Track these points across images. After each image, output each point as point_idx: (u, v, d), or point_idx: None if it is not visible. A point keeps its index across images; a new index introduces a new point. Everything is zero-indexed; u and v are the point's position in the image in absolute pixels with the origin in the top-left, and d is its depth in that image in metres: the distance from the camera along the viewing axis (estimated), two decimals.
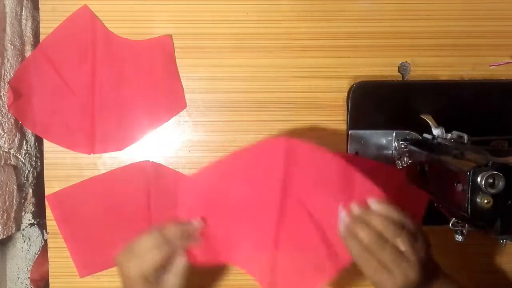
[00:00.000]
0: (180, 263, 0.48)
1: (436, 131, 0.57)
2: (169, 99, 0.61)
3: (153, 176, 0.61)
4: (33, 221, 0.62)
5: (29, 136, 0.63)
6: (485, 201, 0.45)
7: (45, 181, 0.61)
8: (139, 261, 0.47)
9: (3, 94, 0.57)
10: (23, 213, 0.62)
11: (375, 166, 0.61)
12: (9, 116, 0.58)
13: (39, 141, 0.63)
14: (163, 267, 0.48)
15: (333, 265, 0.51)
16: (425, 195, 0.59)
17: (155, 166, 0.61)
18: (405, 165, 0.60)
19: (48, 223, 0.61)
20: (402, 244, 0.45)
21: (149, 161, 0.61)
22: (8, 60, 0.58)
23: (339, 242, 0.49)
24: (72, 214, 0.61)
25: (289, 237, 0.52)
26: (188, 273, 0.49)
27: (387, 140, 0.61)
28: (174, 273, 0.48)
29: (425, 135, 0.59)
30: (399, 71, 0.62)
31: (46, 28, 0.61)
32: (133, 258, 0.47)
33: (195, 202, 0.52)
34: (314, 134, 0.62)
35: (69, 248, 0.61)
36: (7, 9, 0.58)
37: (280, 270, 0.51)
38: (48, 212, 0.61)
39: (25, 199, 0.62)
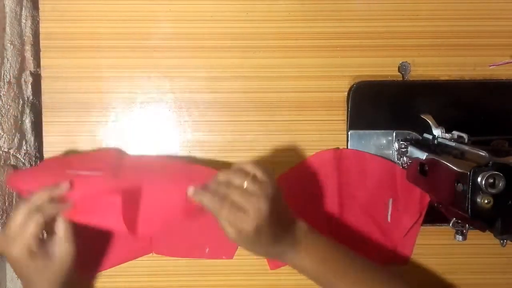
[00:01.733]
0: (60, 226, 0.49)
1: (436, 131, 0.57)
2: None
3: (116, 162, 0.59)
4: None
5: (29, 136, 0.63)
6: (486, 201, 0.45)
7: None
8: (18, 239, 0.47)
9: (3, 94, 0.57)
10: None
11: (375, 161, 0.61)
12: (9, 116, 0.58)
13: (38, 141, 0.63)
14: (48, 238, 0.49)
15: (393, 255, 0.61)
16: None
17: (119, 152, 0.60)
18: (405, 165, 0.60)
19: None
20: (249, 185, 0.47)
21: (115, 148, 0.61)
22: (7, 59, 0.58)
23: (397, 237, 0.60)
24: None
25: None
26: (74, 236, 0.49)
27: (387, 140, 0.61)
28: (59, 238, 0.49)
29: (426, 135, 0.59)
30: (399, 71, 0.62)
31: (46, 28, 0.61)
32: (12, 239, 0.47)
33: None
34: (314, 134, 0.62)
35: None
36: (7, 9, 0.58)
37: None
38: None
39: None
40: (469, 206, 0.45)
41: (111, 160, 0.58)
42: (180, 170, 0.58)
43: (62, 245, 0.49)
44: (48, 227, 0.49)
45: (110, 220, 0.50)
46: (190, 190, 0.49)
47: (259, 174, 0.48)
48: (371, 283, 0.50)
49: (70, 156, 0.60)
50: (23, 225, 0.47)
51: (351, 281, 0.49)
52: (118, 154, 0.60)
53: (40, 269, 0.48)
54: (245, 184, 0.47)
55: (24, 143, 0.61)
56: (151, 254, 0.61)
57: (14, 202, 0.59)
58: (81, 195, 0.50)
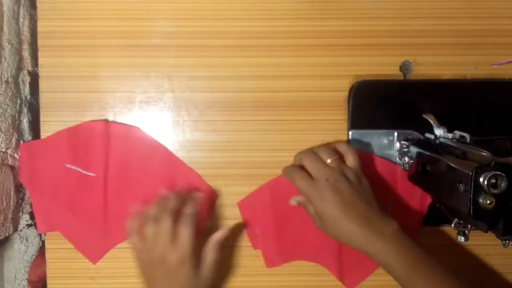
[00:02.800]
0: (189, 211, 0.53)
1: (438, 131, 0.57)
2: None
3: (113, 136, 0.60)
4: (30, 222, 0.62)
5: (27, 136, 0.62)
6: (488, 202, 0.44)
7: None
8: (157, 222, 0.52)
9: (0, 93, 0.57)
10: (21, 213, 0.61)
11: (376, 161, 0.61)
12: (6, 116, 0.58)
13: None
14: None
15: None
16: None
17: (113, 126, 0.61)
18: (407, 165, 0.59)
19: None
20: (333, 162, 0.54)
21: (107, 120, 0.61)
22: (5, 58, 0.58)
23: None
24: (39, 166, 0.60)
25: None
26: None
27: (388, 139, 0.61)
28: (210, 248, 0.54)
29: (427, 134, 0.59)
30: (400, 70, 0.62)
31: (44, 27, 0.60)
32: (150, 220, 0.52)
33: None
34: (314, 134, 0.61)
35: (32, 201, 0.60)
36: (5, 8, 0.58)
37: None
38: None
39: (23, 199, 0.62)
40: (471, 206, 0.45)
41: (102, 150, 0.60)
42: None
43: (210, 254, 0.54)
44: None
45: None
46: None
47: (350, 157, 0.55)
48: None
49: (68, 139, 0.60)
50: (162, 211, 0.53)
51: None
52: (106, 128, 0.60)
53: (191, 275, 0.52)
54: (329, 160, 0.53)
55: (22, 143, 0.61)
56: None
57: (11, 202, 0.59)
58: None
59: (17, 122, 0.60)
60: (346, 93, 0.61)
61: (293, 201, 0.56)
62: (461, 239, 0.57)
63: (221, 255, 0.55)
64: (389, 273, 0.50)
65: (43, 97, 0.61)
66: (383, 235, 0.50)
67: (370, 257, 0.51)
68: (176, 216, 0.52)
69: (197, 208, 0.54)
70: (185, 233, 0.51)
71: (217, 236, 0.54)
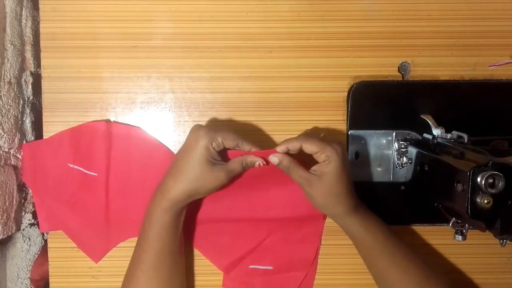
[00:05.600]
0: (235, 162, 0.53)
1: (436, 131, 0.57)
2: None
3: (113, 135, 0.61)
4: (33, 221, 0.62)
5: (29, 136, 0.63)
6: (485, 201, 0.45)
7: None
8: (213, 132, 0.52)
9: (3, 94, 0.57)
10: (23, 213, 0.62)
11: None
12: (9, 116, 0.58)
13: None
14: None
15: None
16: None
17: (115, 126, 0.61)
18: (405, 165, 0.60)
19: None
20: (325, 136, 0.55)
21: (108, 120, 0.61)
22: (8, 60, 0.58)
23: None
24: (41, 166, 0.60)
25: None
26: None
27: (387, 140, 0.61)
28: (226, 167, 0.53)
29: (425, 135, 0.59)
30: (399, 71, 0.62)
31: (46, 28, 0.61)
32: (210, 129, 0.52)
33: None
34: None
35: (35, 201, 0.61)
36: (7, 9, 0.58)
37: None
38: None
39: (25, 199, 0.62)
40: (469, 206, 0.46)
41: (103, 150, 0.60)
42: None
43: (234, 165, 0.53)
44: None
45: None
46: (273, 158, 0.53)
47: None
48: (408, 264, 0.55)
49: (71, 138, 0.61)
50: (225, 131, 0.52)
51: (392, 259, 0.55)
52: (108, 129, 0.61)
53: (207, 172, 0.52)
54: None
55: (24, 143, 0.61)
56: None
57: (14, 201, 0.59)
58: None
59: (20, 122, 0.61)
60: (345, 94, 0.62)
61: (275, 158, 0.53)
62: (459, 238, 0.58)
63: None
64: (359, 246, 0.57)
65: (46, 98, 0.61)
66: (351, 209, 0.55)
67: (341, 225, 0.57)
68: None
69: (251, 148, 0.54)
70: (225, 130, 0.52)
71: (251, 158, 0.53)
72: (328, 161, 0.51)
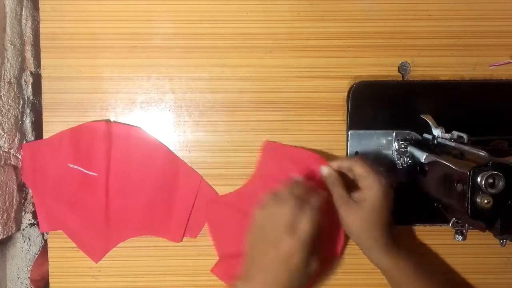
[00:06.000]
0: (313, 203, 0.50)
1: (436, 131, 0.57)
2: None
3: (114, 135, 0.61)
4: (33, 221, 0.62)
5: (29, 136, 0.63)
6: (485, 201, 0.45)
7: None
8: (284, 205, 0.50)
9: (3, 94, 0.57)
10: (23, 213, 0.62)
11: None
12: (9, 116, 0.58)
13: None
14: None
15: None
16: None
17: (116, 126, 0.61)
18: (405, 165, 0.60)
19: None
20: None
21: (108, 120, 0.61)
22: (8, 60, 0.58)
23: None
24: (41, 166, 0.60)
25: None
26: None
27: (387, 140, 0.61)
28: (307, 214, 0.49)
29: (425, 135, 0.59)
30: (399, 71, 0.62)
31: (46, 28, 0.61)
32: (275, 199, 0.51)
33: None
34: (314, 134, 0.62)
35: (35, 201, 0.61)
36: (7, 9, 0.58)
37: None
38: None
39: (25, 199, 0.62)
40: (469, 206, 0.46)
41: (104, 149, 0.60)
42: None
43: (308, 224, 0.50)
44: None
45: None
46: (325, 169, 0.56)
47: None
48: None
49: (71, 138, 0.61)
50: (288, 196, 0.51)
51: None
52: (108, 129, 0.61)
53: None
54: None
55: (24, 143, 0.61)
56: (150, 254, 0.62)
57: (14, 201, 0.59)
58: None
59: (20, 122, 0.61)
60: (345, 94, 0.62)
61: (326, 170, 0.56)
62: (459, 238, 0.58)
63: None
64: (387, 278, 0.56)
65: (46, 98, 0.61)
66: (388, 244, 0.54)
67: (370, 258, 0.55)
68: (301, 203, 0.50)
69: (320, 203, 0.51)
70: (306, 224, 0.48)
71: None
72: (370, 188, 0.52)
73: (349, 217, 0.53)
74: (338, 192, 0.54)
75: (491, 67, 0.62)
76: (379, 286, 0.60)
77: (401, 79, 0.62)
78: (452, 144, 0.54)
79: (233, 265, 0.61)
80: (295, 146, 0.61)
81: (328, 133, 0.62)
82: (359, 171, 0.54)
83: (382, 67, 0.62)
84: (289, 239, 0.47)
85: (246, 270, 0.50)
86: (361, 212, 0.53)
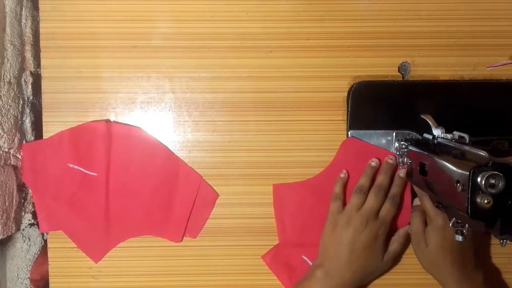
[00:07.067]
0: (396, 191, 0.58)
1: (436, 131, 0.57)
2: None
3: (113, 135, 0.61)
4: (33, 221, 0.62)
5: (29, 136, 0.63)
6: (485, 201, 0.45)
7: None
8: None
9: (3, 94, 0.57)
10: (23, 213, 0.62)
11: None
12: (9, 116, 0.58)
13: None
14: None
15: None
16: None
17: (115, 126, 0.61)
18: (405, 165, 0.60)
19: None
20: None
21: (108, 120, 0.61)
22: (8, 60, 0.58)
23: None
24: (41, 166, 0.60)
25: None
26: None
27: (387, 140, 0.61)
28: (390, 203, 0.57)
29: (425, 135, 0.59)
30: (399, 71, 0.62)
31: (46, 28, 0.61)
32: (359, 190, 0.58)
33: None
34: (314, 134, 0.62)
35: (35, 201, 0.61)
36: (7, 9, 0.58)
37: None
38: None
39: (25, 199, 0.62)
40: (469, 206, 0.45)
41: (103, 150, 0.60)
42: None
43: (395, 244, 0.59)
44: None
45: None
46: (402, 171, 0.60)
47: None
48: None
49: (71, 138, 0.61)
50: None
51: None
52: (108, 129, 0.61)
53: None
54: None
55: (24, 143, 0.61)
56: (150, 254, 0.62)
57: (14, 201, 0.59)
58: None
59: (20, 122, 0.61)
60: (345, 94, 0.62)
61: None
62: (459, 238, 0.58)
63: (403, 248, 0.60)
64: None
65: (45, 98, 0.61)
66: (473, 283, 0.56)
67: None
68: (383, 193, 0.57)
69: (402, 188, 0.59)
70: (388, 212, 0.56)
71: (405, 229, 0.59)
72: (434, 231, 0.56)
73: (419, 254, 0.58)
74: (417, 227, 0.57)
75: (489, 67, 0.62)
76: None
77: (401, 79, 0.62)
78: (452, 144, 0.54)
79: (289, 254, 0.61)
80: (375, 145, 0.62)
81: (328, 133, 0.62)
82: (424, 204, 0.57)
83: (382, 67, 0.62)
84: (372, 226, 0.55)
85: (324, 261, 0.56)
86: (428, 252, 0.56)
